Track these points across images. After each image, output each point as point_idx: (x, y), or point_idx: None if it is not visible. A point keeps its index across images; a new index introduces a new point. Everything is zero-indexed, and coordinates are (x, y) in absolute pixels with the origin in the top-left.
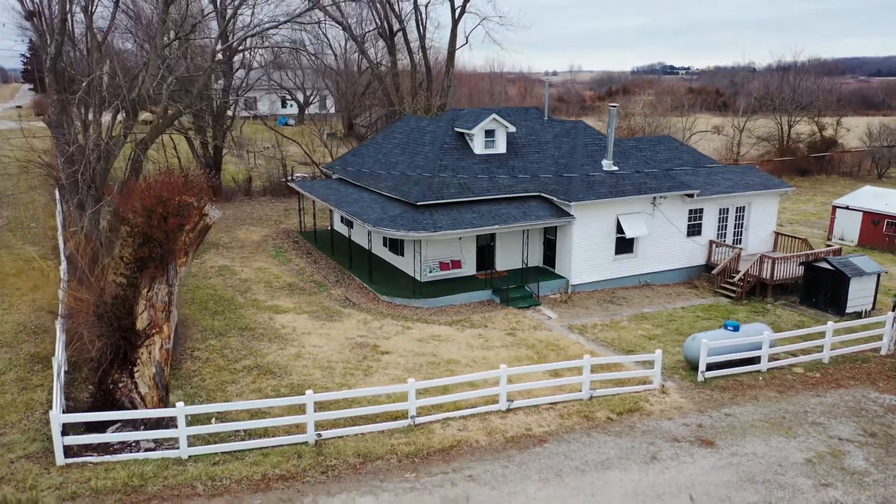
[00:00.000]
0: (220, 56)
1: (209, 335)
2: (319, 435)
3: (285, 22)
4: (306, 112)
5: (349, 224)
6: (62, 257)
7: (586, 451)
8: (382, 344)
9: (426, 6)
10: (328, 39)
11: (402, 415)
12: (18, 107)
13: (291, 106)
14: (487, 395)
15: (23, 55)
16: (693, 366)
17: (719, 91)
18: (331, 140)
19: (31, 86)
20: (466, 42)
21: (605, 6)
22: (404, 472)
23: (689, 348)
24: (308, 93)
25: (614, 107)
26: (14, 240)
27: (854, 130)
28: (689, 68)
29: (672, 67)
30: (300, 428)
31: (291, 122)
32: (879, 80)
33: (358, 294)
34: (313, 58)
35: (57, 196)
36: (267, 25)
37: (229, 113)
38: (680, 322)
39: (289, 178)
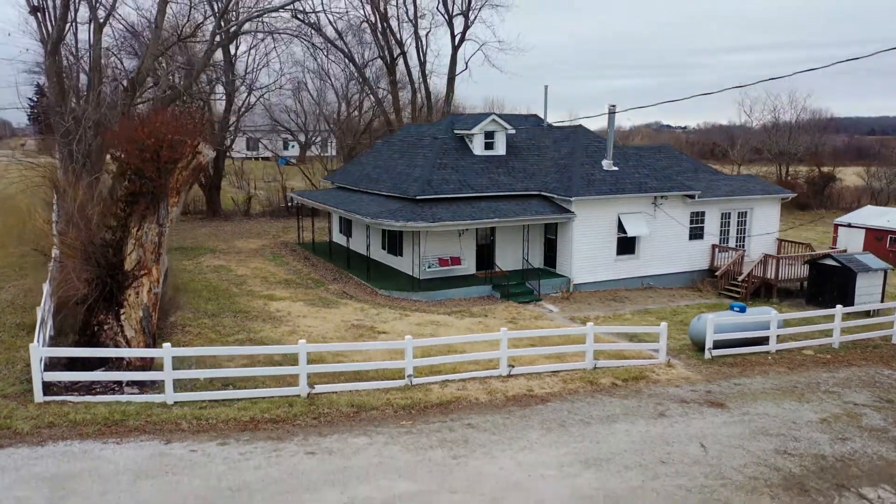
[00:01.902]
0: (218, 38)
1: (201, 315)
2: (312, 387)
3: (282, 7)
4: (307, 153)
5: (347, 233)
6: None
7: (591, 408)
8: (380, 326)
9: (426, 35)
10: (330, 80)
11: (399, 374)
12: (22, 144)
13: (293, 147)
14: (487, 357)
15: (30, 99)
16: (699, 346)
17: (716, 143)
18: (332, 175)
19: (36, 127)
20: (466, 68)
21: (603, 68)
22: (400, 420)
23: (694, 328)
24: (309, 134)
25: (613, 106)
26: (7, 237)
27: (851, 170)
28: (685, 127)
29: (668, 126)
30: (291, 383)
31: (293, 161)
32: (873, 139)
33: (355, 289)
34: (317, 49)
35: (54, 199)
36: (267, 7)
37: (228, 145)
38: (684, 315)
39: (288, 202)
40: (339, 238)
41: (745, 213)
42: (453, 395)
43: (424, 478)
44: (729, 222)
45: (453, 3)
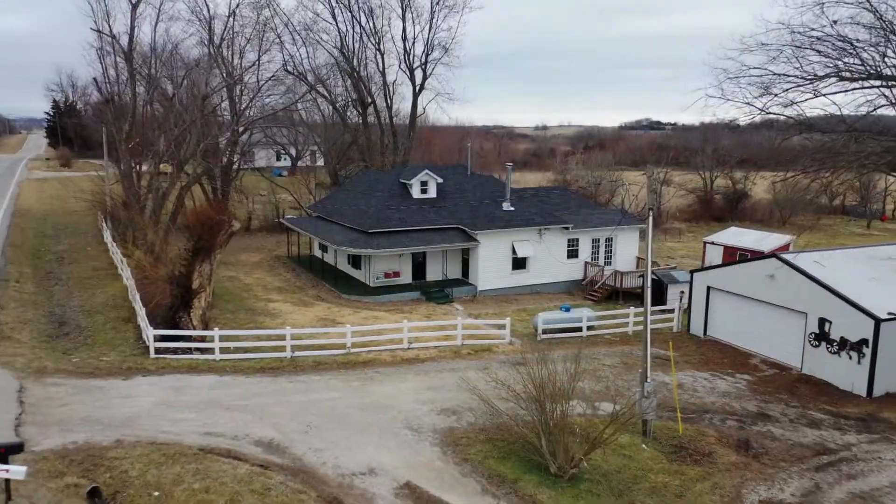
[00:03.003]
0: (232, 130)
1: (223, 312)
2: (293, 352)
3: (283, 109)
4: (298, 164)
5: (324, 249)
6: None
7: (450, 364)
8: (338, 319)
9: (393, 83)
10: (319, 107)
11: (341, 346)
12: (47, 159)
13: (285, 159)
14: (396, 337)
15: (46, 112)
16: (537, 332)
17: (686, 147)
18: (318, 189)
19: (48, 139)
20: (424, 112)
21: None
22: (339, 369)
23: (535, 320)
24: (299, 148)
25: (510, 165)
26: (81, 257)
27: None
28: (675, 124)
29: (659, 123)
30: (282, 349)
31: (284, 173)
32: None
33: (326, 294)
34: (304, 119)
35: (104, 225)
36: (267, 113)
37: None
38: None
39: (281, 218)
40: (317, 252)
41: (611, 238)
42: (371, 357)
43: (345, 391)
44: (598, 246)
45: (413, 57)
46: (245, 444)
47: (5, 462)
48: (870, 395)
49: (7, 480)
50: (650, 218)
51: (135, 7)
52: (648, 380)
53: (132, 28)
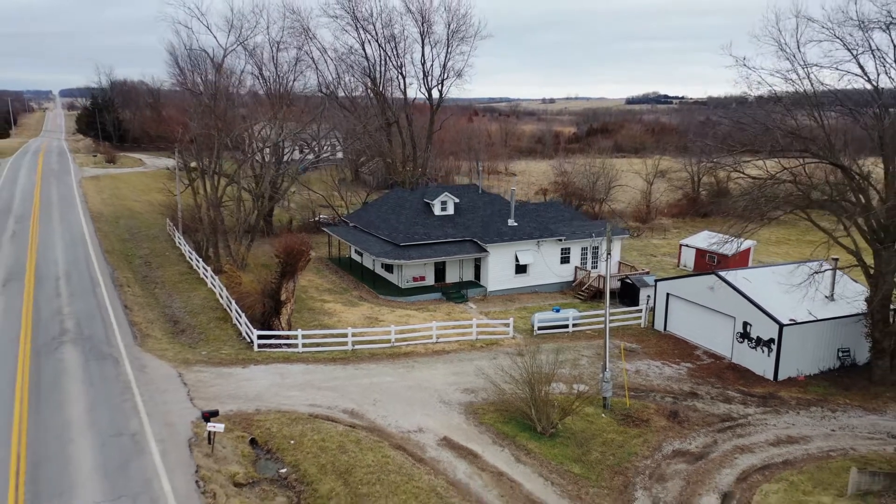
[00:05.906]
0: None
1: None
2: (353, 346)
3: (336, 156)
4: (320, 158)
5: (360, 254)
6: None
7: (468, 355)
8: (379, 317)
9: (413, 101)
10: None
11: (387, 341)
12: (95, 154)
13: (308, 153)
14: (427, 334)
15: (86, 107)
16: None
17: (684, 132)
18: (342, 185)
19: (77, 127)
20: (441, 127)
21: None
22: (388, 359)
23: (532, 318)
24: (322, 144)
25: (513, 190)
26: (163, 262)
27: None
28: (683, 98)
29: (666, 97)
30: (344, 344)
31: (310, 168)
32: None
33: (367, 294)
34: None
35: (177, 234)
36: (307, 163)
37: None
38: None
39: (316, 219)
40: (355, 256)
41: (597, 247)
42: (409, 349)
43: (395, 376)
44: (587, 253)
45: (431, 79)
46: (336, 412)
47: (208, 421)
48: (775, 379)
49: (212, 432)
50: (608, 259)
51: (218, 68)
52: (607, 369)
53: (217, 87)
